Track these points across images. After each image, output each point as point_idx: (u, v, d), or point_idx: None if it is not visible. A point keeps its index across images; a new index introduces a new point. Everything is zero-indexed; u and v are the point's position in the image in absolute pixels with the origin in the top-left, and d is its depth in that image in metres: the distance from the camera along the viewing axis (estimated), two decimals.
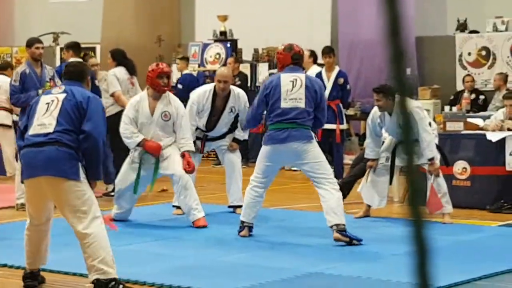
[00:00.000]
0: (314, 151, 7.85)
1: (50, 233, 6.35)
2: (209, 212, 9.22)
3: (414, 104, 8.77)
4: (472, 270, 6.59)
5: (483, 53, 14.73)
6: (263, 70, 15.52)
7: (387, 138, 9.19)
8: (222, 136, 9.54)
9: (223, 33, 16.21)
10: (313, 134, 7.98)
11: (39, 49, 9.92)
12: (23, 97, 9.61)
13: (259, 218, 9.05)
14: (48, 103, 6.10)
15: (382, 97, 8.70)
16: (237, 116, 9.42)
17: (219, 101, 9.31)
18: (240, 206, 8.85)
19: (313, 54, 12.98)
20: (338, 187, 7.96)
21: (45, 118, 6.03)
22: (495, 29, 14.66)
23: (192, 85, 12.18)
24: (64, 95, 6.11)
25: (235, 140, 9.56)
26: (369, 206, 9.16)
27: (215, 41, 16.24)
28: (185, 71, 15.04)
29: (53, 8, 19.01)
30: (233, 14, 16.04)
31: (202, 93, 9.39)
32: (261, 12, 16.34)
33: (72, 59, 11.17)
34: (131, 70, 10.96)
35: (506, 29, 14.59)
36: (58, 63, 17.65)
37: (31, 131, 6.06)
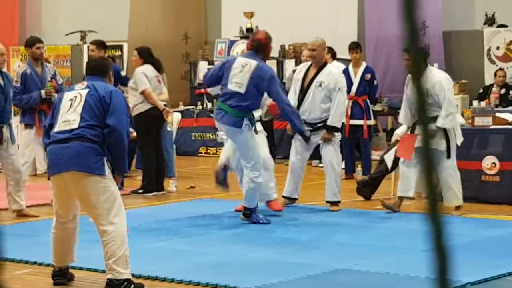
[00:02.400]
0: (239, 138, 8.29)
1: (78, 230, 6.37)
2: (231, 209, 9.23)
3: (442, 75, 8.88)
4: (502, 265, 6.54)
5: None
6: (289, 67, 15.49)
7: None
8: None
9: (249, 30, 16.19)
10: (244, 122, 8.21)
11: (40, 49, 9.92)
12: (26, 98, 9.62)
13: (287, 214, 9.05)
14: (71, 100, 6.10)
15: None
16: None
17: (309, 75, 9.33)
18: (332, 202, 9.28)
19: (330, 50, 12.94)
20: (254, 174, 8.23)
21: (69, 115, 6.04)
22: None
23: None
24: (87, 90, 6.12)
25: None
26: (400, 199, 9.14)
27: (242, 38, 16.23)
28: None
29: (80, 7, 19.09)
30: (259, 11, 16.02)
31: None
32: (287, 8, 16.32)
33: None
34: (158, 68, 10.97)
35: None
36: (85, 61, 17.74)
37: (56, 128, 6.08)
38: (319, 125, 9.17)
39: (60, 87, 10.06)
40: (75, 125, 5.98)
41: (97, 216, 6.00)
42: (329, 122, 9.09)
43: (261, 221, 8.38)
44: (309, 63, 9.43)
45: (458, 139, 8.90)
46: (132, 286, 5.99)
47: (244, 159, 8.38)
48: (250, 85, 8.23)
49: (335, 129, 9.18)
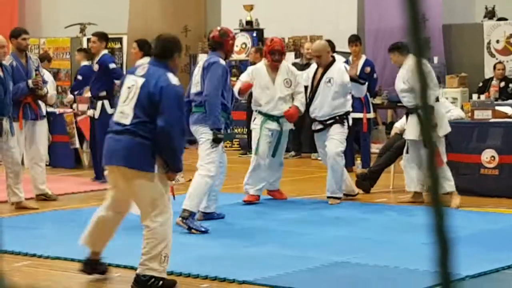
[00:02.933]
0: (202, 132, 8.20)
1: (119, 225, 6.30)
2: (234, 202, 9.24)
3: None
4: (501, 259, 6.55)
5: None
6: (289, 59, 15.47)
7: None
8: None
9: (249, 23, 16.19)
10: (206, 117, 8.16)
11: (25, 40, 9.85)
12: (14, 89, 9.56)
13: (286, 207, 9.06)
14: (129, 88, 5.92)
15: (396, 55, 9.34)
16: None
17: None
18: (331, 197, 9.33)
19: (329, 43, 12.92)
20: (209, 173, 8.11)
21: (125, 106, 5.89)
22: None
23: (91, 77, 11.69)
24: (142, 80, 5.89)
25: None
26: (416, 192, 9.27)
27: (241, 30, 16.22)
28: (84, 63, 14.28)
29: None
30: (259, 4, 16.01)
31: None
32: (287, 1, 16.30)
33: (104, 51, 11.20)
34: None
35: None
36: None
37: (114, 117, 6.01)
38: (329, 121, 9.30)
39: (43, 79, 10.02)
40: (128, 120, 5.83)
41: (142, 211, 5.92)
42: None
43: (198, 229, 7.84)
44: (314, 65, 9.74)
45: (441, 130, 8.90)
46: (161, 283, 5.84)
47: (203, 156, 8.17)
48: (203, 80, 8.19)
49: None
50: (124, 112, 5.88)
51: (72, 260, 6.75)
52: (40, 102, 9.98)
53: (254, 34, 15.93)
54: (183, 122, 5.97)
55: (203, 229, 7.80)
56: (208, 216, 8.38)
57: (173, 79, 5.92)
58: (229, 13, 17.01)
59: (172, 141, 5.79)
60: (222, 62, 8.27)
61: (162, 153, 5.84)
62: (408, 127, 9.23)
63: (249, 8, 16.11)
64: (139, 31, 15.71)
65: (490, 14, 14.93)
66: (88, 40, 16.29)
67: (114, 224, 6.25)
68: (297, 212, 8.86)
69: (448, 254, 1.57)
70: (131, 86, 5.90)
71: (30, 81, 9.67)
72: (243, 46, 16.03)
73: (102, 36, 11.22)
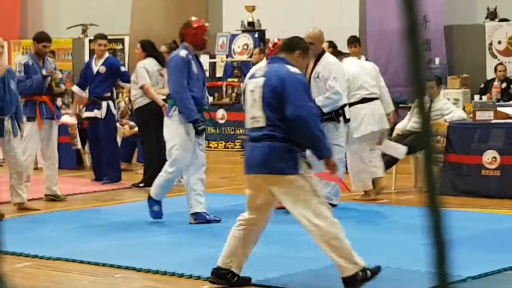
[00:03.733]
0: (167, 124, 8.29)
1: (259, 238, 6.02)
2: (237, 202, 9.24)
3: (333, 60, 8.83)
4: (503, 260, 6.54)
5: None
6: None
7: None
8: None
9: (251, 24, 16.19)
10: (173, 109, 8.17)
11: (46, 47, 9.95)
12: (29, 82, 9.68)
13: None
14: (252, 91, 5.71)
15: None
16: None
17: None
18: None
19: (332, 45, 12.93)
20: (170, 168, 8.33)
21: (254, 110, 5.68)
22: None
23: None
24: (263, 79, 5.67)
25: None
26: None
27: (243, 31, 16.23)
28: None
29: (82, 0, 19.09)
30: (260, 4, 16.02)
31: None
32: (289, 2, 16.31)
33: (107, 54, 11.30)
34: (161, 62, 10.98)
35: None
36: (87, 54, 17.76)
37: (247, 124, 5.81)
38: (324, 117, 8.81)
39: (60, 80, 10.08)
40: (262, 123, 5.61)
41: (299, 218, 5.65)
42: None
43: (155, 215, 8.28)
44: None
45: (357, 131, 9.35)
46: (368, 274, 5.63)
47: (168, 150, 8.24)
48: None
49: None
50: (255, 116, 5.67)
51: (74, 261, 6.76)
52: (57, 103, 10.12)
53: (256, 35, 15.94)
54: (313, 106, 5.76)
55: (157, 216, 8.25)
56: (198, 217, 8.27)
57: (292, 69, 5.70)
58: (230, 14, 17.02)
59: (310, 126, 5.50)
60: (182, 54, 8.16)
61: (305, 142, 5.58)
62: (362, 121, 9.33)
63: (251, 9, 16.12)
64: (141, 32, 15.72)
65: (492, 15, 14.93)
66: (90, 41, 16.31)
67: (249, 239, 5.93)
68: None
69: (445, 255, 1.57)
70: (254, 88, 5.70)
71: (44, 70, 9.76)
72: (245, 47, 16.03)
73: (104, 37, 11.36)
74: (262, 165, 5.60)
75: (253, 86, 5.71)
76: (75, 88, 11.63)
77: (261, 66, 6.21)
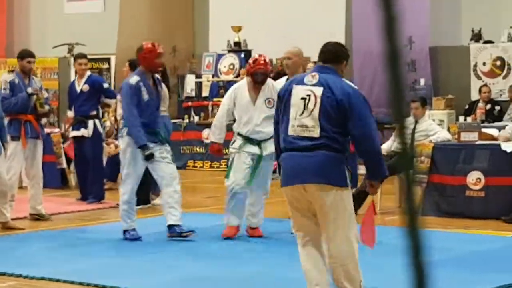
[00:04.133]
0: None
1: (322, 250, 5.61)
2: (218, 223, 9.22)
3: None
4: (486, 281, 6.56)
5: (498, 63, 14.69)
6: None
7: None
8: None
9: (237, 44, 16.24)
10: (124, 129, 8.52)
11: (30, 63, 9.97)
12: (14, 100, 9.67)
13: (273, 228, 9.06)
14: (304, 99, 5.45)
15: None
16: None
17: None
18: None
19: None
20: (121, 191, 8.63)
21: (306, 119, 5.42)
22: (510, 39, 14.63)
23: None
24: (320, 89, 5.43)
25: None
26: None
27: (229, 51, 16.27)
28: None
29: (68, 19, 19.10)
30: (247, 25, 16.08)
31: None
32: (275, 22, 16.37)
33: (88, 72, 11.33)
34: None
35: None
36: (73, 73, 17.74)
37: (290, 131, 5.48)
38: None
39: (46, 100, 10.07)
40: (316, 133, 5.39)
41: (330, 231, 5.45)
42: None
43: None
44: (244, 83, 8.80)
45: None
46: None
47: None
48: None
49: None
50: (306, 125, 5.41)
51: (58, 281, 6.73)
52: (41, 123, 10.10)
53: (242, 55, 15.98)
54: (375, 125, 5.64)
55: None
56: (171, 230, 8.45)
57: (352, 84, 5.63)
58: (217, 33, 17.07)
59: (374, 144, 5.44)
60: (131, 81, 8.44)
61: (367, 160, 5.50)
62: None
63: (237, 29, 16.17)
64: (128, 52, 15.72)
65: (477, 36, 15.03)
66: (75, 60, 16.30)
67: (315, 257, 5.59)
68: (283, 233, 8.84)
69: (425, 277, 1.58)
70: (307, 96, 5.43)
71: (29, 89, 9.75)
72: (231, 66, 16.07)
73: (84, 56, 11.43)
74: (318, 174, 5.37)
75: (305, 94, 5.45)
76: (69, 114, 11.66)
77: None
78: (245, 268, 7.15)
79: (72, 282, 6.69)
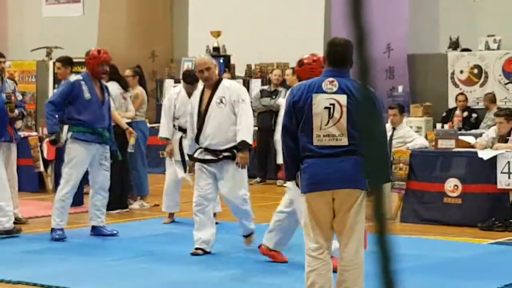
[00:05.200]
0: None
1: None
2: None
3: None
4: (464, 287, 6.60)
5: (475, 71, 14.79)
6: (255, 86, 15.56)
7: None
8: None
9: (216, 49, 16.26)
10: (69, 132, 8.94)
11: (1, 63, 9.89)
12: None
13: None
14: (328, 108, 5.33)
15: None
16: None
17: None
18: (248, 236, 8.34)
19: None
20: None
21: (332, 128, 5.33)
22: (487, 48, 14.73)
23: None
24: (344, 97, 5.33)
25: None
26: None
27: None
28: None
29: (46, 23, 19.03)
30: (226, 30, 16.09)
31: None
32: (254, 28, 16.40)
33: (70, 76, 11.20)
34: (124, 85, 10.99)
35: (498, 48, 14.66)
36: (51, 77, 17.67)
37: (316, 141, 5.36)
38: (225, 154, 7.73)
39: (19, 103, 9.99)
40: (344, 141, 5.31)
41: (347, 238, 5.38)
42: (240, 138, 7.64)
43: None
44: (200, 88, 8.22)
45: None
46: None
47: None
48: None
49: (248, 146, 7.80)
50: (333, 134, 5.32)
51: (35, 284, 6.70)
52: (15, 126, 9.98)
53: (221, 60, 15.99)
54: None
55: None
56: (96, 231, 8.96)
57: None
58: (196, 39, 17.07)
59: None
60: (71, 78, 8.96)
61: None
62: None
63: (216, 34, 16.18)
64: None
65: (454, 45, 15.13)
66: (54, 64, 16.25)
67: (328, 269, 5.49)
68: (260, 239, 8.84)
69: (393, 282, 1.59)
70: (331, 106, 5.32)
71: (3, 95, 9.65)
72: None
73: (67, 61, 11.18)
74: (348, 180, 5.30)
75: (328, 103, 5.33)
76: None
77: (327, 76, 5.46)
78: (221, 273, 7.14)
79: (49, 286, 6.66)
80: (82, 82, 8.81)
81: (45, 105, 8.93)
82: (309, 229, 5.44)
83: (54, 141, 9.02)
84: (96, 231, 8.99)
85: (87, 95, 8.79)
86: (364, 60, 1.55)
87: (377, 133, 1.71)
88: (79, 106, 8.75)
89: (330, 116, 5.31)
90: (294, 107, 5.42)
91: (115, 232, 9.00)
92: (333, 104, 5.32)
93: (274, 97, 13.83)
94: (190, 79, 9.90)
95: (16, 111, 9.94)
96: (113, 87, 10.85)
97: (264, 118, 13.91)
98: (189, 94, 9.43)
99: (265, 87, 14.40)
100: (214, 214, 9.16)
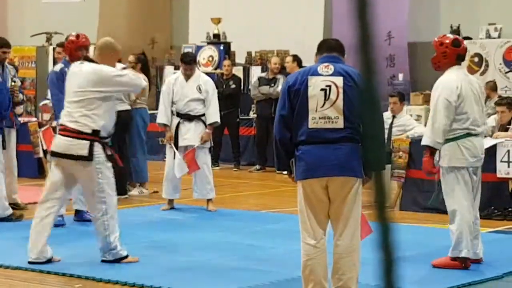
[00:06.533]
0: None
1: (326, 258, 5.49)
2: (196, 214, 9.22)
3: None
4: (462, 276, 6.60)
5: (476, 59, 14.75)
6: (255, 73, 15.53)
7: None
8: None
9: (216, 36, 16.22)
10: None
11: (5, 53, 9.82)
12: None
13: (250, 221, 9.07)
14: (324, 90, 5.27)
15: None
16: None
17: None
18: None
19: (296, 58, 13.02)
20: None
21: (328, 110, 5.27)
22: (488, 36, 14.70)
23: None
24: (341, 79, 5.28)
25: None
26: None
27: (209, 43, 16.24)
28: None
29: (46, 8, 18.98)
30: (226, 17, 16.05)
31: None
32: (255, 15, 16.35)
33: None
34: None
35: (499, 36, 14.62)
36: (51, 63, 17.64)
37: (311, 124, 5.29)
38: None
39: (19, 89, 9.97)
40: (340, 124, 5.25)
41: (343, 225, 5.35)
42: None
43: None
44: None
45: None
46: None
47: None
48: None
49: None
50: (329, 116, 5.26)
51: (33, 270, 6.70)
52: (15, 112, 9.96)
53: (221, 47, 15.95)
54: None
55: None
56: (78, 215, 9.15)
57: None
58: (196, 25, 17.02)
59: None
60: (56, 68, 9.07)
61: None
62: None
63: (217, 21, 16.14)
64: None
65: (455, 33, 15.05)
66: (54, 49, 16.21)
67: (324, 261, 5.47)
68: (261, 225, 8.86)
69: (393, 269, 1.58)
70: (327, 87, 5.26)
71: (10, 81, 9.64)
72: (210, 59, 16.04)
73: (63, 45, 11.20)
74: (344, 167, 5.24)
75: (324, 85, 5.28)
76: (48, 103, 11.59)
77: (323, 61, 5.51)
78: (218, 260, 7.15)
79: (48, 272, 6.67)
80: (65, 69, 8.56)
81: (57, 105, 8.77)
82: (305, 216, 5.41)
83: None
84: (79, 215, 9.08)
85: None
86: (368, 61, 1.53)
87: (377, 124, 1.69)
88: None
89: (326, 98, 5.27)
90: (289, 92, 5.38)
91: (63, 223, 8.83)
92: (329, 86, 5.29)
93: (272, 85, 13.82)
94: (187, 58, 9.93)
95: (20, 96, 9.95)
96: None
97: (263, 106, 13.90)
98: (187, 77, 9.50)
99: (263, 75, 14.38)
100: (208, 201, 9.26)
